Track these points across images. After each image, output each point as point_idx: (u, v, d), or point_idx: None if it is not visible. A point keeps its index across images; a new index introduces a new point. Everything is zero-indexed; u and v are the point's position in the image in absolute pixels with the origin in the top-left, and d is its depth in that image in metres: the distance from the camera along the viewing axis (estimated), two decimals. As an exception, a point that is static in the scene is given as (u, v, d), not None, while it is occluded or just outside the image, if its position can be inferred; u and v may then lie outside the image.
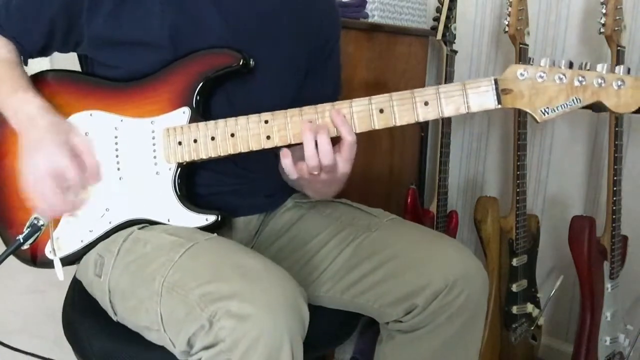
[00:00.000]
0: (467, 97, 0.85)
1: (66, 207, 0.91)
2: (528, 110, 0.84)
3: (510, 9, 1.46)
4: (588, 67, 0.82)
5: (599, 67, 0.82)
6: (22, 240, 0.93)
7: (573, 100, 0.83)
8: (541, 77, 0.83)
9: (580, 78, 0.82)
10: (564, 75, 0.82)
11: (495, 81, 0.84)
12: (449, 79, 1.67)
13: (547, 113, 0.84)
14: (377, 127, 0.87)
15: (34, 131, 0.89)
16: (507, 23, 1.46)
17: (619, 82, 0.81)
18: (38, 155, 0.87)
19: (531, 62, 0.84)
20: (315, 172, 0.87)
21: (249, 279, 0.79)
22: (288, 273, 0.83)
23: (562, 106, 0.83)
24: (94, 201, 0.95)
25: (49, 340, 1.70)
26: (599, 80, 0.81)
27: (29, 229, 0.93)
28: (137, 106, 0.95)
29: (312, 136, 0.85)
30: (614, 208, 1.46)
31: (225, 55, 0.94)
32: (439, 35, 1.66)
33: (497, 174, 1.89)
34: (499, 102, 0.84)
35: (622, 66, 0.81)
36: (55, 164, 0.86)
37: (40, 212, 0.92)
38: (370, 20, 1.64)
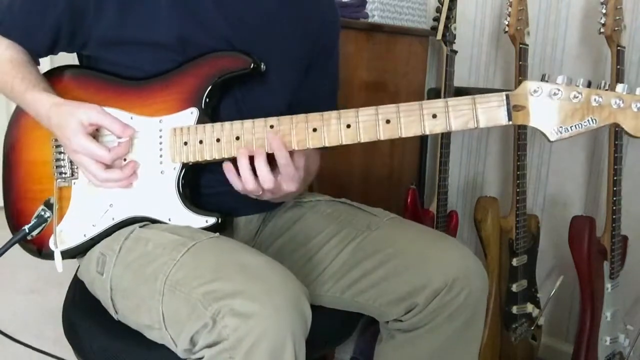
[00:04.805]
0: (477, 112, 0.81)
1: (116, 177, 0.92)
2: (540, 129, 0.80)
3: (510, 9, 1.46)
4: (607, 87, 0.78)
5: (619, 87, 0.77)
6: (27, 230, 0.95)
7: (589, 120, 0.77)
8: (556, 94, 0.78)
9: (597, 98, 0.77)
10: (580, 94, 0.78)
11: (507, 97, 0.80)
12: (449, 79, 1.67)
13: (561, 132, 0.79)
14: (382, 138, 0.85)
15: (53, 119, 0.90)
16: (507, 23, 1.46)
17: (639, 104, 0.76)
18: (65, 141, 0.90)
19: (546, 79, 0.79)
20: (257, 194, 0.90)
21: (252, 277, 0.79)
22: (290, 272, 0.83)
23: (577, 126, 0.78)
24: (99, 196, 0.96)
25: (49, 340, 1.70)
26: (618, 101, 0.76)
27: (35, 220, 0.95)
28: (146, 105, 0.96)
29: (247, 162, 0.87)
30: (614, 208, 1.46)
31: (237, 58, 0.94)
32: (439, 35, 1.66)
33: (497, 174, 1.89)
34: (510, 118, 0.80)
35: None
36: (82, 148, 0.89)
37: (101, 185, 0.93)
38: (370, 20, 1.64)
